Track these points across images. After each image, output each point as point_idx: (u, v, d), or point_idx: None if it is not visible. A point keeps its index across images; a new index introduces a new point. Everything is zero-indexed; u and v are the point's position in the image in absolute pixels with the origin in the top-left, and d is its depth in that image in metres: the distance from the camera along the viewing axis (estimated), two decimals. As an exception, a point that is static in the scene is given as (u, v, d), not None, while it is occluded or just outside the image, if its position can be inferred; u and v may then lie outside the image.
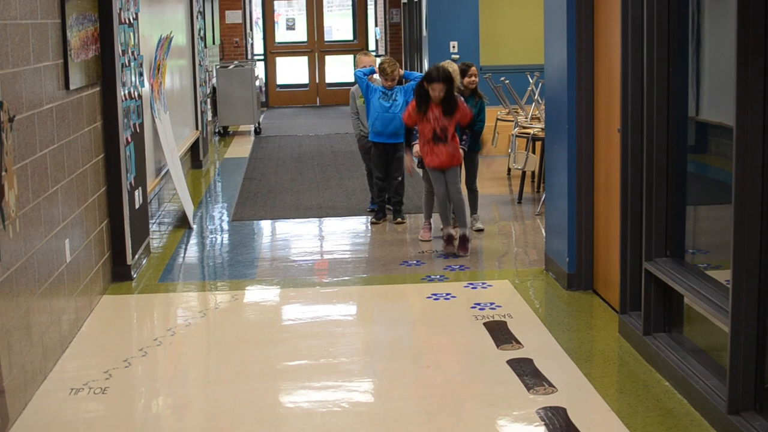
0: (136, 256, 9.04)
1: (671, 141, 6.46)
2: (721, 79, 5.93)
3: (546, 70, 8.76)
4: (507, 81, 14.01)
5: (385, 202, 11.32)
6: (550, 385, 6.15)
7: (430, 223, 10.26)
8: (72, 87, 7.39)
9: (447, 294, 8.19)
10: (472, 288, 8.36)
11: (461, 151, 9.69)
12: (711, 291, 5.83)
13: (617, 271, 7.12)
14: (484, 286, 8.24)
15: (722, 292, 5.65)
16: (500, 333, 7.15)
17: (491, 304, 7.82)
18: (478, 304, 7.86)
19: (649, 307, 6.62)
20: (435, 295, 8.20)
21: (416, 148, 9.77)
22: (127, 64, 9.04)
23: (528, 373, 6.37)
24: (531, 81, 14.62)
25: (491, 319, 7.47)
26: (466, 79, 10.43)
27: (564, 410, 5.67)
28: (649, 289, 6.61)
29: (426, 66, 18.58)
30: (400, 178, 11.12)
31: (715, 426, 5.45)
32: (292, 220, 11.61)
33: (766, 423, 5.12)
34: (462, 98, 9.88)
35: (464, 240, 9.51)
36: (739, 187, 5.16)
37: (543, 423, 5.61)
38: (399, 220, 11.11)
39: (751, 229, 5.16)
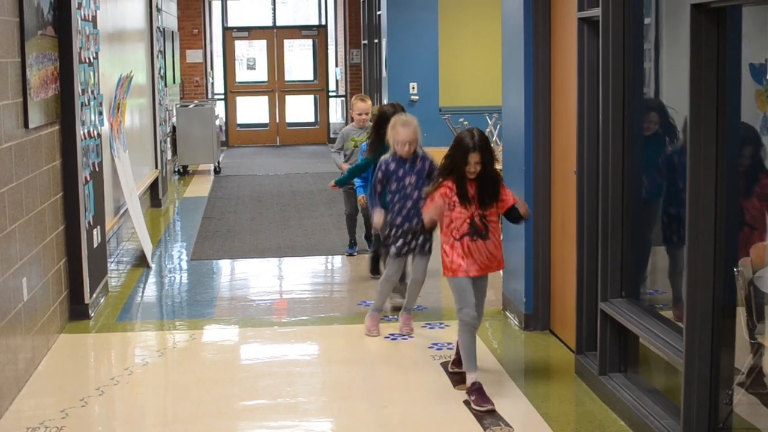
0: (94, 295, 9.02)
1: (627, 183, 6.54)
2: (677, 120, 6.03)
3: (504, 112, 8.84)
4: (466, 122, 14.09)
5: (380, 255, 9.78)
6: (507, 425, 6.17)
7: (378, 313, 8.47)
8: (31, 126, 7.39)
9: (404, 335, 8.20)
10: (430, 328, 8.39)
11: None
12: (665, 331, 5.89)
13: (573, 311, 7.17)
14: (442, 326, 8.27)
15: (676, 332, 5.71)
16: (457, 373, 7.17)
17: (449, 344, 7.84)
18: (436, 344, 7.88)
19: (604, 348, 6.67)
20: (393, 335, 8.22)
21: (377, 219, 8.10)
22: (86, 103, 9.05)
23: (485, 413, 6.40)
24: (489, 122, 14.71)
25: (448, 359, 7.49)
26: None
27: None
28: (604, 330, 6.66)
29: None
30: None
31: (669, 465, 5.50)
32: (251, 259, 11.61)
33: (719, 462, 5.18)
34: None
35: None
36: (692, 229, 5.22)
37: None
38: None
39: (704, 271, 5.23)
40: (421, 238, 7.96)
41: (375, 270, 10.11)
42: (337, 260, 11.58)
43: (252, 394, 6.92)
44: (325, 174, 19.64)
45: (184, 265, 11.44)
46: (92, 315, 8.85)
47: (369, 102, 11.07)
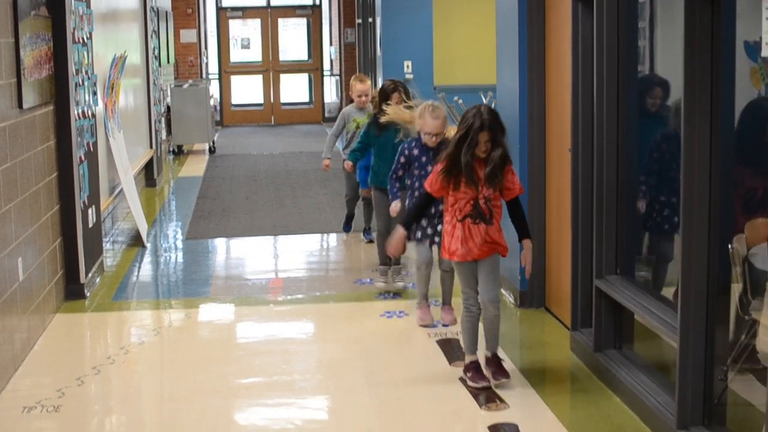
0: (90, 275, 9.02)
1: (621, 160, 6.54)
2: (671, 96, 6.04)
3: (498, 90, 8.84)
4: (461, 100, 14.11)
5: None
6: (502, 401, 6.19)
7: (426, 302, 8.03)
8: (25, 106, 7.38)
9: (400, 312, 8.22)
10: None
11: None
12: (660, 308, 5.91)
13: (568, 288, 7.19)
14: (437, 303, 8.28)
15: (671, 309, 5.73)
16: (453, 350, 7.18)
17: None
18: (436, 324, 7.89)
19: (599, 324, 6.69)
20: (388, 312, 8.23)
21: (394, 206, 7.86)
22: (80, 83, 9.04)
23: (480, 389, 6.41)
24: (484, 100, 14.71)
25: (444, 336, 7.51)
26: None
27: (516, 426, 5.72)
28: (599, 307, 6.68)
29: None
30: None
31: (664, 441, 5.53)
32: (246, 238, 11.62)
33: (714, 438, 5.20)
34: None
35: (497, 361, 6.58)
36: (687, 206, 5.23)
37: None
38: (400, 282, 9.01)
39: (699, 247, 5.24)
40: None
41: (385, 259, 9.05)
42: (333, 238, 11.59)
43: (248, 372, 6.94)
44: (319, 153, 19.58)
45: (180, 245, 11.45)
46: (88, 294, 8.86)
47: (368, 82, 10.77)
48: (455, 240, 6.39)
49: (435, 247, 7.60)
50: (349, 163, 9.65)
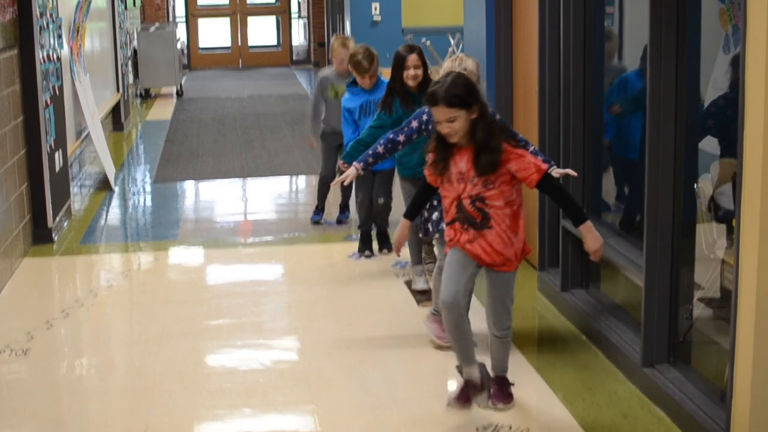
0: (57, 219, 9.00)
1: (587, 101, 6.56)
2: (637, 37, 6.04)
3: (465, 32, 8.82)
4: (428, 42, 14.07)
5: (370, 230, 8.38)
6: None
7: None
8: (-10, 48, 7.33)
9: (368, 254, 8.24)
10: (394, 247, 8.41)
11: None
12: (626, 247, 5.95)
13: (536, 229, 7.22)
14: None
15: (637, 248, 5.76)
16: (421, 291, 7.21)
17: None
18: (399, 262, 7.92)
19: (566, 264, 6.73)
20: (357, 254, 8.25)
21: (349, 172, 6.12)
22: (45, 26, 8.96)
23: (448, 329, 6.44)
24: (452, 41, 14.69)
25: (411, 277, 7.54)
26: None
27: (483, 365, 5.75)
28: (566, 247, 6.72)
29: (349, 31, 18.56)
30: (382, 201, 8.18)
31: (630, 378, 5.57)
32: (214, 181, 11.61)
33: (679, 375, 5.25)
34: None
35: (502, 383, 5.40)
36: (653, 143, 5.26)
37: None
38: (385, 250, 8.33)
39: (665, 186, 5.27)
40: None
41: (367, 247, 8.36)
42: (302, 180, 11.59)
43: (217, 314, 6.96)
44: (288, 96, 19.62)
45: (148, 188, 11.43)
46: (56, 239, 8.84)
47: (351, 45, 8.69)
48: (449, 228, 5.13)
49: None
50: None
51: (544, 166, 4.96)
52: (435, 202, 6.03)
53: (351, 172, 6.04)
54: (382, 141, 6.07)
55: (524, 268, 7.66)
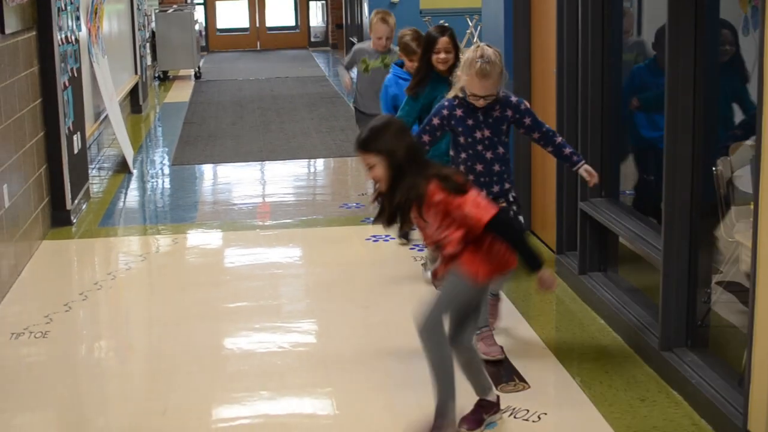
0: (76, 201, 9.02)
1: (606, 82, 6.53)
2: (655, 23, 6.02)
3: (483, 14, 8.79)
4: (446, 24, 14.01)
5: None
6: (485, 324, 6.21)
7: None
8: (8, 31, 7.32)
9: (386, 236, 8.24)
10: (412, 229, 8.39)
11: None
12: (644, 230, 5.94)
13: (554, 212, 7.20)
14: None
15: (655, 231, 5.75)
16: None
17: (430, 245, 7.88)
18: (417, 245, 7.91)
19: (584, 247, 6.71)
20: (375, 236, 8.25)
21: None
22: (63, 8, 8.97)
23: (466, 312, 6.43)
24: (470, 24, 14.64)
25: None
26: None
27: (501, 348, 5.74)
28: (584, 230, 6.70)
29: (367, 13, 18.51)
30: None
31: (648, 362, 5.56)
32: (232, 163, 11.62)
33: (696, 359, 5.23)
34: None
35: (488, 406, 4.98)
36: (671, 128, 5.24)
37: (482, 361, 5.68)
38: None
39: (683, 170, 5.25)
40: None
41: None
42: (319, 163, 11.60)
43: (234, 296, 6.96)
44: (306, 78, 19.61)
45: (166, 171, 11.44)
46: (74, 221, 8.86)
47: (393, 22, 8.56)
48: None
49: None
50: None
51: (486, 217, 4.45)
52: None
53: None
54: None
55: (542, 251, 7.67)
